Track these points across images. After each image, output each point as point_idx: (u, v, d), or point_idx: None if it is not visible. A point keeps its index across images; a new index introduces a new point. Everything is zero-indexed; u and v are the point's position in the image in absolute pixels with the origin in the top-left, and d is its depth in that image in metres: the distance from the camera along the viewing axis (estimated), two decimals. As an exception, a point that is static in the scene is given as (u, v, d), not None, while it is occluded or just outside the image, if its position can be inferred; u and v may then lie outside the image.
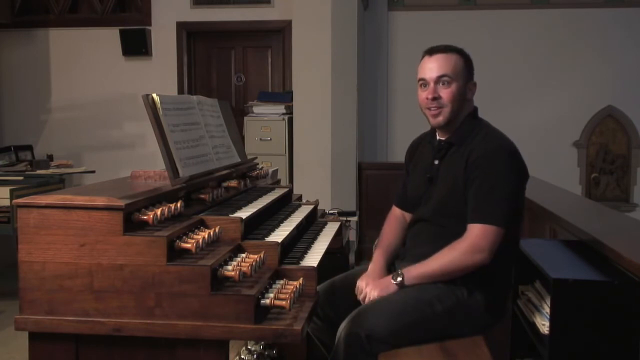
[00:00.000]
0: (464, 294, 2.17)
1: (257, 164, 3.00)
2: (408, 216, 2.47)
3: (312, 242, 2.42)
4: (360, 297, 2.24)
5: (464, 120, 2.27)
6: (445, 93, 2.22)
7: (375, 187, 5.87)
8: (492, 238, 2.09)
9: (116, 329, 1.69)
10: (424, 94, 2.25)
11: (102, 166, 5.81)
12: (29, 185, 4.61)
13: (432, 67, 2.23)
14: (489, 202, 2.11)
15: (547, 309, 2.14)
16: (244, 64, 6.47)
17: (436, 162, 2.30)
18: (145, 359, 1.75)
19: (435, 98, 2.22)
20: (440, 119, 2.24)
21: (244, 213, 2.12)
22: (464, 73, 2.25)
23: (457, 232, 2.15)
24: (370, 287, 2.22)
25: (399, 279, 2.18)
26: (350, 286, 2.32)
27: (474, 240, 2.10)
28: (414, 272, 2.18)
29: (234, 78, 6.48)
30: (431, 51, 2.27)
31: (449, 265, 2.13)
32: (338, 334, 2.13)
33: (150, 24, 6.33)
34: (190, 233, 1.83)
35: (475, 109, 2.32)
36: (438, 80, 2.22)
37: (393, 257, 2.43)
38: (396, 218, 2.52)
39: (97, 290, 1.70)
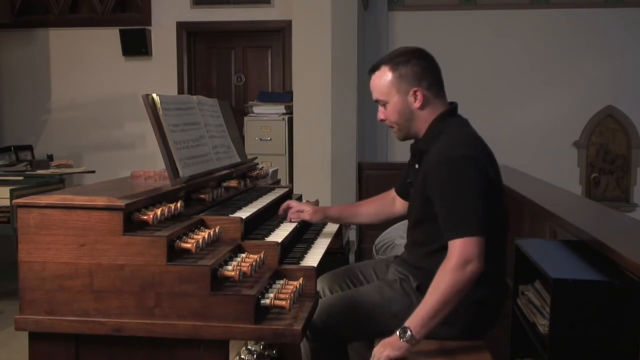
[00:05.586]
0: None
1: (257, 164, 3.00)
2: (400, 203, 2.47)
3: (312, 242, 2.42)
4: None
5: (431, 124, 2.15)
6: (386, 114, 2.20)
7: (375, 187, 5.81)
8: (474, 249, 1.94)
9: (116, 329, 1.69)
10: None
11: (102, 166, 5.81)
12: (29, 185, 4.60)
13: (371, 90, 2.23)
14: (458, 213, 1.98)
15: (547, 309, 2.14)
16: (244, 64, 6.47)
17: (416, 166, 2.24)
18: (145, 359, 1.75)
19: (383, 120, 2.23)
20: (398, 135, 2.25)
21: (244, 213, 2.12)
22: (397, 86, 2.14)
23: (435, 239, 2.09)
24: (380, 348, 1.97)
25: (408, 334, 1.93)
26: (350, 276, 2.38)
27: (458, 256, 1.95)
28: (418, 319, 1.95)
29: (234, 78, 6.48)
30: (369, 70, 2.25)
31: (447, 291, 1.94)
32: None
33: (150, 24, 6.33)
34: (190, 233, 1.83)
35: (445, 111, 2.16)
36: (378, 103, 2.22)
37: (349, 215, 2.54)
38: (384, 196, 2.54)
39: (97, 290, 1.70)
